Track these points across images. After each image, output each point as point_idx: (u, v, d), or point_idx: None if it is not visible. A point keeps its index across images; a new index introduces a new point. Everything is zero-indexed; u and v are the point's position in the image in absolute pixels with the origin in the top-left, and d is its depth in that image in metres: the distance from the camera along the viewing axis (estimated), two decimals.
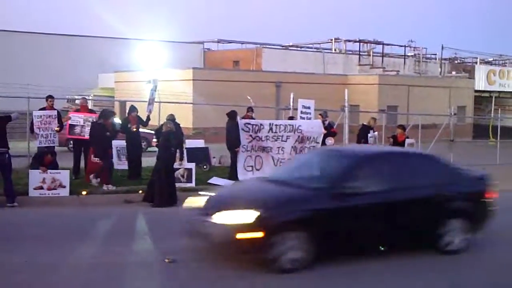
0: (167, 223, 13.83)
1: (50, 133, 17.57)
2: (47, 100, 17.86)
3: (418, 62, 66.73)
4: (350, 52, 66.18)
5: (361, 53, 65.24)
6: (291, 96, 23.35)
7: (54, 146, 17.81)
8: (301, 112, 21.39)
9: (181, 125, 18.82)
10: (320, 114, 20.78)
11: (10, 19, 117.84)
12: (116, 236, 12.60)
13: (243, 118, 19.81)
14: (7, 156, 15.02)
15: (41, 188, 15.92)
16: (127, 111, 19.10)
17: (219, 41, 66.51)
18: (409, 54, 68.15)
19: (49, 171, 16.02)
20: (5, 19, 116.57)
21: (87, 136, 17.86)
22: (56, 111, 17.87)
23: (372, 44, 66.58)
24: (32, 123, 17.44)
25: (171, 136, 16.28)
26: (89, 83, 50.83)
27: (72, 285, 9.20)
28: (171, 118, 17.70)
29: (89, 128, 17.61)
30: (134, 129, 17.93)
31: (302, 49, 66.74)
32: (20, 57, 50.21)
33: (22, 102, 19.65)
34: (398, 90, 47.66)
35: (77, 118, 18.28)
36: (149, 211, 15.16)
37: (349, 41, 66.98)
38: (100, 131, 16.86)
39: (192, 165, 18.12)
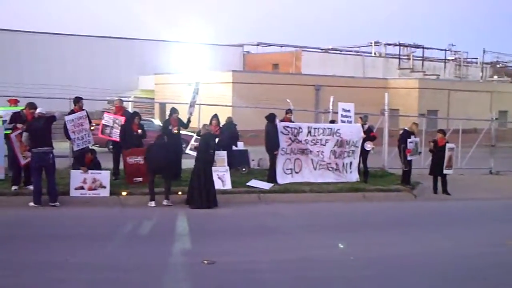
0: (206, 225, 13.93)
1: (85, 134, 17.68)
2: (76, 103, 17.94)
3: (459, 66, 66.17)
4: (390, 56, 65.83)
5: (401, 57, 64.83)
6: (331, 99, 23.28)
7: (92, 145, 17.95)
8: (342, 116, 21.31)
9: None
10: (360, 118, 20.67)
11: (51, 21, 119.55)
12: (155, 237, 12.68)
13: (282, 120, 19.79)
14: (51, 156, 15.21)
15: (82, 188, 16.08)
16: (166, 113, 19.18)
17: (258, 44, 66.53)
18: (449, 58, 67.56)
19: (90, 171, 16.18)
20: (46, 22, 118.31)
21: (114, 137, 18.16)
22: (84, 111, 17.97)
23: (412, 48, 66.16)
24: (66, 129, 17.47)
25: (209, 138, 16.34)
26: (129, 85, 51.24)
27: (111, 284, 9.28)
28: (230, 121, 17.92)
29: (118, 130, 17.87)
30: (175, 131, 18.00)
31: (342, 52, 66.50)
32: (61, 59, 50.73)
33: (63, 103, 19.90)
34: (439, 94, 47.29)
35: (108, 119, 18.45)
36: (188, 212, 15.21)
37: (389, 44, 66.61)
38: (128, 132, 17.15)
39: (226, 168, 18.20)
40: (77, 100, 17.93)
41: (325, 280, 9.87)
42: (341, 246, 11.92)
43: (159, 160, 15.78)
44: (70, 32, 54.39)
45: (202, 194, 15.70)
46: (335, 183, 19.21)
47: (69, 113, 17.83)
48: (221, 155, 18.62)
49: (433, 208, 17.93)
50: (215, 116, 19.81)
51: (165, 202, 15.83)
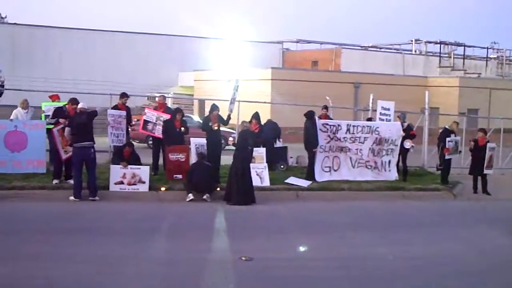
0: (244, 222, 13.98)
1: (120, 133, 17.91)
2: (121, 98, 18.17)
3: (501, 65, 65.35)
4: (431, 54, 65.27)
5: (442, 55, 64.23)
6: (371, 97, 23.18)
7: (130, 139, 18.11)
8: (380, 114, 21.19)
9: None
10: (398, 116, 20.53)
11: (92, 18, 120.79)
12: (193, 232, 12.72)
13: (319, 117, 19.74)
14: (92, 150, 15.41)
15: (122, 183, 16.24)
16: (205, 109, 19.24)
17: (298, 41, 66.47)
18: (491, 56, 66.71)
19: (129, 166, 16.32)
20: (87, 18, 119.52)
21: (157, 134, 18.27)
22: (125, 112, 18.16)
23: (453, 46, 65.46)
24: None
25: (248, 135, 16.37)
26: (169, 81, 51.59)
27: (148, 278, 9.35)
28: (256, 116, 18.08)
29: (161, 126, 18.01)
30: (216, 128, 18.05)
31: (382, 50, 66.14)
32: (103, 55, 51.30)
33: (104, 98, 20.13)
34: (480, 93, 46.73)
35: (151, 115, 18.56)
36: (227, 209, 15.26)
37: (430, 42, 66.07)
38: (170, 128, 17.36)
39: (264, 165, 18.23)
40: (122, 96, 18.16)
41: (363, 279, 9.84)
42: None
43: (200, 182, 16.02)
44: (111, 29, 54.93)
45: (240, 191, 15.74)
46: (374, 182, 19.09)
47: (113, 108, 18.10)
48: (260, 152, 18.60)
49: (472, 207, 17.71)
50: (256, 116, 19.87)
51: (205, 197, 15.91)
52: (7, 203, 14.70)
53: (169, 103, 41.21)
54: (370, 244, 12.07)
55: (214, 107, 18.09)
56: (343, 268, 10.28)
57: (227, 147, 20.89)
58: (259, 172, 17.71)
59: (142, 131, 19.12)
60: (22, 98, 18.93)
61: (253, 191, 16.08)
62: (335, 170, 19.14)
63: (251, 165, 16.99)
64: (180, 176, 17.22)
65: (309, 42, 66.36)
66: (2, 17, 60.50)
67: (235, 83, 19.96)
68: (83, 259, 10.08)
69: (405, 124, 20.12)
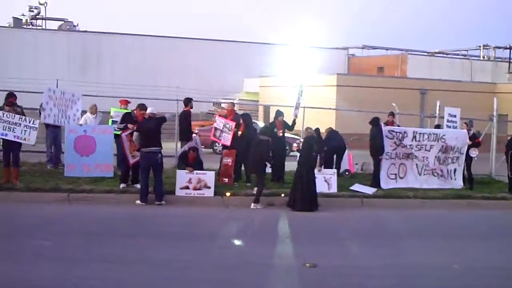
0: (308, 228, 13.97)
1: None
2: (187, 104, 18.41)
3: None
4: (500, 60, 63.99)
5: (511, 61, 62.92)
6: (437, 103, 22.92)
7: (195, 144, 18.33)
8: (447, 121, 20.96)
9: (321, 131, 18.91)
10: (465, 123, 20.24)
11: (158, 25, 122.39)
12: (257, 238, 12.79)
13: (385, 123, 19.60)
14: (160, 156, 15.61)
15: (187, 188, 16.39)
16: (270, 115, 19.31)
17: (363, 47, 66.04)
18: None
19: (195, 171, 16.48)
20: (155, 25, 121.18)
21: (223, 141, 18.48)
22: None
23: None
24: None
25: (312, 141, 16.36)
26: (234, 87, 51.84)
27: (213, 283, 9.42)
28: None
29: (228, 134, 18.20)
30: (281, 134, 18.12)
31: (449, 56, 65.20)
32: (169, 61, 51.92)
33: (171, 104, 20.37)
34: None
35: (219, 122, 18.73)
36: (291, 215, 15.27)
37: (499, 47, 64.82)
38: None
39: (333, 172, 18.18)
40: (189, 101, 18.40)
41: None
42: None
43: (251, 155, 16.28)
44: (177, 35, 55.55)
45: (304, 197, 15.73)
46: (440, 190, 18.85)
47: (181, 113, 18.32)
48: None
49: None
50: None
51: (252, 206, 15.84)
52: (76, 206, 15.01)
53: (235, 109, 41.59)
54: (434, 253, 11.91)
55: (279, 113, 18.15)
56: (408, 277, 10.18)
57: (291, 153, 20.86)
58: (327, 178, 17.67)
59: (212, 138, 19.29)
60: (91, 103, 19.35)
61: (316, 197, 16.06)
62: (401, 178, 18.97)
63: (320, 171, 17.06)
64: (226, 180, 17.56)
65: (374, 48, 65.87)
66: (74, 25, 61.94)
67: (299, 88, 19.98)
68: (149, 263, 10.20)
69: (471, 132, 19.85)
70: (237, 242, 12.40)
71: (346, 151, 20.82)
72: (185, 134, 18.28)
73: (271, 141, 16.52)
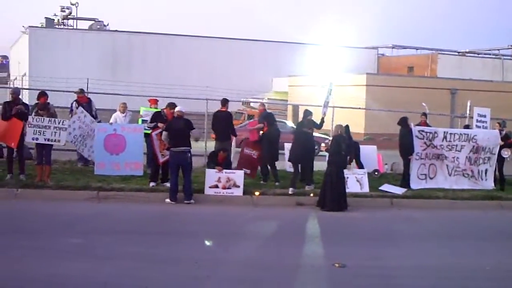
0: (337, 228, 13.93)
1: None
2: (224, 104, 18.48)
3: None
4: None
5: None
6: (468, 104, 22.72)
7: (227, 144, 18.40)
8: (477, 121, 20.75)
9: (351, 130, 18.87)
10: (498, 123, 20.04)
11: (187, 24, 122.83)
12: (286, 237, 12.76)
13: (418, 124, 19.48)
14: (189, 155, 15.64)
15: (216, 187, 16.42)
16: (299, 115, 19.27)
17: (393, 47, 65.70)
18: None
19: (224, 170, 16.52)
20: (184, 24, 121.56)
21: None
22: None
23: None
24: None
25: (341, 140, 16.30)
26: (263, 87, 51.86)
27: (241, 283, 9.43)
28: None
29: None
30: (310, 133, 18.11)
31: (480, 55, 64.60)
32: (199, 60, 52.08)
33: (200, 103, 20.43)
34: None
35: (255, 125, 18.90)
36: (320, 215, 15.23)
37: None
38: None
39: (364, 171, 18.13)
40: (226, 101, 18.52)
41: None
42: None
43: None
44: (207, 35, 55.75)
45: (333, 197, 15.67)
46: (470, 190, 18.68)
47: (216, 112, 18.45)
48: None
49: None
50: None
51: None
52: (106, 204, 15.11)
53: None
54: (463, 254, 11.81)
55: (308, 113, 18.12)
56: (437, 278, 10.10)
57: (319, 153, 20.79)
58: (359, 178, 17.63)
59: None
60: (120, 102, 19.47)
61: (346, 197, 16.01)
62: (431, 178, 18.82)
63: (351, 170, 17.01)
64: (248, 171, 17.70)
65: (404, 47, 65.47)
66: (104, 25, 62.44)
67: (328, 86, 19.88)
68: (178, 261, 10.26)
69: (503, 132, 19.65)
70: (265, 241, 12.37)
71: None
72: (226, 134, 18.37)
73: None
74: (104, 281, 8.98)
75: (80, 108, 18.11)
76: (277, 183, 17.63)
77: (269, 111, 20.32)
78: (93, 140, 17.79)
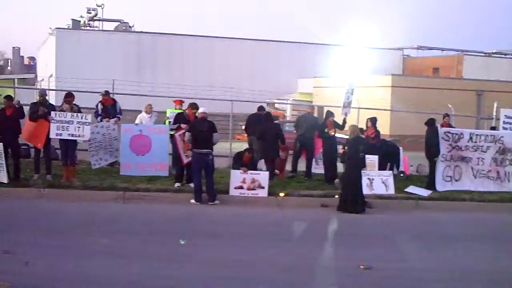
0: (363, 230, 13.88)
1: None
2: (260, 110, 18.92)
3: None
4: None
5: None
6: (495, 105, 22.56)
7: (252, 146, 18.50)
8: (504, 122, 20.57)
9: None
10: None
11: (214, 26, 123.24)
12: (310, 239, 12.76)
13: (442, 125, 19.38)
14: (211, 157, 15.70)
15: (241, 187, 16.44)
16: (323, 116, 19.23)
17: (419, 48, 65.26)
18: None
19: (249, 171, 16.54)
20: (210, 26, 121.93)
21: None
22: None
23: None
24: None
25: (359, 142, 16.22)
26: (288, 88, 51.83)
27: (265, 284, 9.42)
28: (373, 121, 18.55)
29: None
30: (332, 133, 18.10)
31: (507, 56, 64.04)
32: (224, 61, 52.16)
33: (224, 104, 20.50)
34: None
35: None
36: (345, 216, 15.17)
37: None
38: None
39: (389, 173, 18.09)
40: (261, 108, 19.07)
41: None
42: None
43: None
44: (232, 36, 55.82)
45: (353, 200, 15.61)
46: (497, 193, 18.52)
47: (250, 115, 18.66)
48: (372, 159, 18.13)
49: None
50: (373, 120, 19.61)
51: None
52: (132, 205, 15.22)
53: (288, 109, 41.58)
54: (491, 257, 11.70)
55: (329, 114, 18.16)
56: (462, 280, 10.05)
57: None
58: (384, 180, 17.52)
59: None
60: (146, 103, 19.58)
61: (364, 199, 15.87)
62: (456, 180, 18.69)
63: (375, 172, 17.13)
64: (278, 172, 18.18)
65: (430, 48, 65.04)
66: (130, 26, 62.77)
67: (348, 86, 19.74)
68: (202, 262, 10.30)
69: None
70: (289, 242, 12.37)
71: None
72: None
73: (322, 141, 16.77)
74: (130, 280, 9.05)
75: (113, 122, 18.21)
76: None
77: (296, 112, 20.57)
78: (106, 153, 17.90)
